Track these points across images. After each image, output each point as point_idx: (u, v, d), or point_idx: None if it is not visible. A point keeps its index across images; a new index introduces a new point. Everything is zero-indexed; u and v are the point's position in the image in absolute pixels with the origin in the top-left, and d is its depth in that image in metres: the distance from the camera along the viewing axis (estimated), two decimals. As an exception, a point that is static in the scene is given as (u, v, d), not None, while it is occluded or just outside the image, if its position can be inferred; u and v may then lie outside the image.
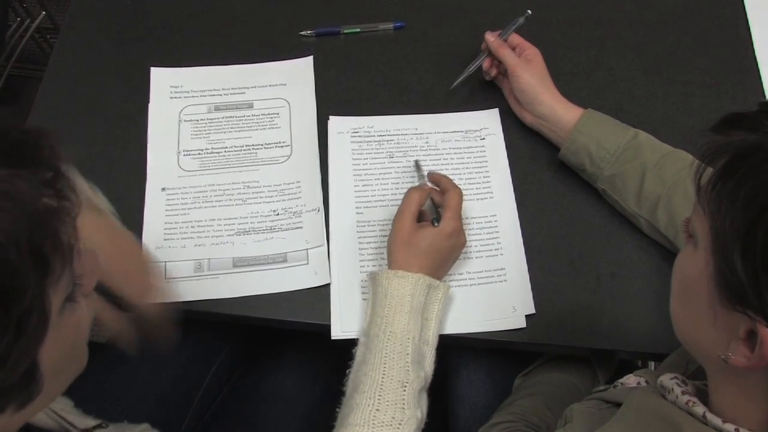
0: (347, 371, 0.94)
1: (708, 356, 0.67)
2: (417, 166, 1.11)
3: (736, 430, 0.63)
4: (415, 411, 0.87)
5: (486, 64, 1.17)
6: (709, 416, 0.65)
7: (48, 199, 0.51)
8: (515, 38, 1.16)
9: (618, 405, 0.77)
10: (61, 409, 0.80)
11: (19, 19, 2.14)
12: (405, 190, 1.09)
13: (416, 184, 1.09)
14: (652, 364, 1.20)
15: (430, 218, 1.00)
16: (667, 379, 0.73)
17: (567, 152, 1.09)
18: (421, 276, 0.95)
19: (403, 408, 0.86)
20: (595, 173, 1.07)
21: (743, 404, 0.65)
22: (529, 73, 1.11)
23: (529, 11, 1.16)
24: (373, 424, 0.85)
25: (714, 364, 0.66)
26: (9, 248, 0.46)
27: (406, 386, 0.88)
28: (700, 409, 0.66)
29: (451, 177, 1.12)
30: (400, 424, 0.86)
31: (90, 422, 0.83)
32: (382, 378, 0.88)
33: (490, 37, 1.15)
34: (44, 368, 0.54)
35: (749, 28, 1.28)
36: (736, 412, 0.65)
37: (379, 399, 0.86)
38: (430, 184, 1.07)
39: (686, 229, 0.68)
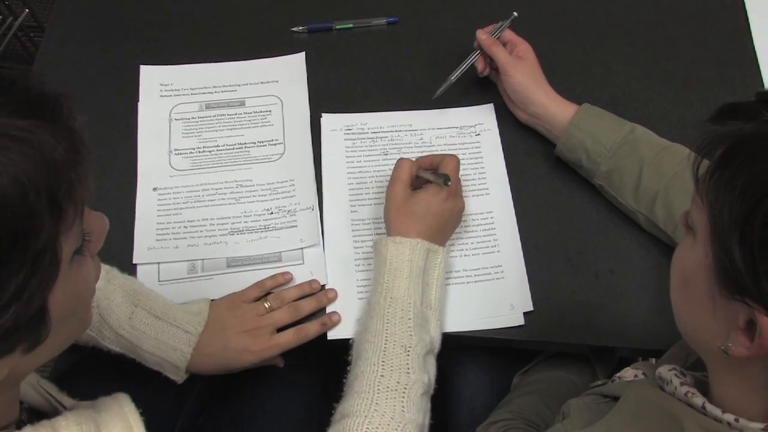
0: (342, 380, 0.93)
1: (708, 348, 0.66)
2: None
3: (735, 419, 0.63)
4: (421, 375, 0.87)
5: (480, 64, 1.15)
6: (709, 407, 0.65)
7: (65, 152, 0.55)
8: (507, 34, 1.14)
9: (616, 399, 0.77)
10: (48, 387, 0.81)
11: (1, 17, 2.11)
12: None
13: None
14: (652, 361, 1.19)
15: (434, 187, 0.99)
16: (665, 371, 0.73)
17: (563, 148, 1.08)
18: (419, 240, 0.95)
19: (408, 372, 0.86)
20: (591, 169, 1.06)
21: (744, 395, 0.64)
22: (521, 72, 1.10)
23: (515, 14, 1.14)
24: (378, 389, 0.84)
25: (714, 355, 0.66)
26: (29, 191, 0.51)
27: (409, 350, 0.88)
28: (699, 399, 0.66)
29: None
30: (405, 388, 0.85)
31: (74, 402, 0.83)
32: (385, 344, 0.88)
33: (482, 35, 1.13)
34: (52, 313, 0.58)
35: (748, 20, 1.27)
36: (737, 403, 0.64)
37: (382, 365, 0.86)
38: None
39: (685, 222, 0.68)
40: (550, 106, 1.09)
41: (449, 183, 0.97)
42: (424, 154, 1.09)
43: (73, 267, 0.60)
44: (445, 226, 1.00)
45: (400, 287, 0.92)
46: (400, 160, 1.02)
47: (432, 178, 0.99)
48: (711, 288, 0.62)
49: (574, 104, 1.08)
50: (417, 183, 1.03)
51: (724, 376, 0.67)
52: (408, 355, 0.87)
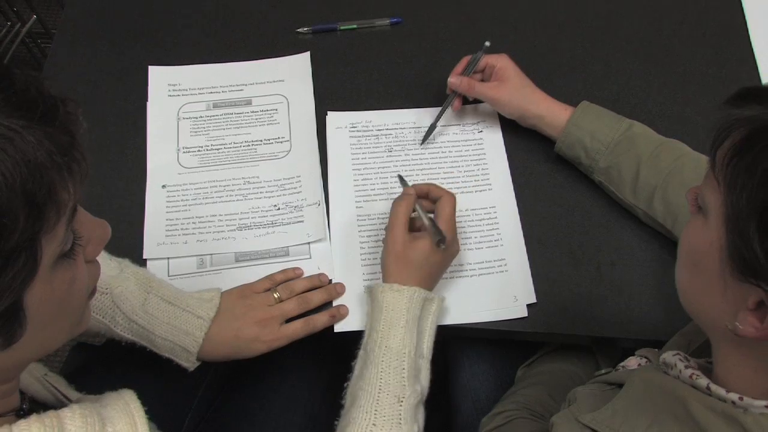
0: (345, 384, 0.94)
1: (715, 326, 0.67)
2: (400, 179, 1.10)
3: (740, 398, 0.64)
4: (412, 425, 0.88)
5: (455, 105, 1.17)
6: (713, 387, 0.66)
7: (48, 154, 0.55)
8: (481, 60, 1.14)
9: (620, 386, 0.78)
10: (55, 381, 0.82)
11: (9, 23, 2.13)
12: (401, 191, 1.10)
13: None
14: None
15: (431, 239, 0.97)
16: (669, 356, 0.74)
17: (562, 145, 1.10)
18: (417, 289, 0.95)
19: (400, 423, 0.87)
20: (590, 165, 1.08)
21: (748, 373, 0.66)
22: (508, 96, 1.11)
23: (487, 43, 1.14)
24: None
25: (720, 334, 0.67)
26: (3, 190, 0.51)
27: (402, 401, 0.89)
28: (703, 381, 0.67)
29: (449, 170, 1.14)
30: None
31: (80, 396, 0.84)
32: (378, 393, 0.89)
33: (455, 81, 1.13)
34: (30, 313, 0.58)
35: (745, 18, 1.29)
36: (740, 382, 0.66)
37: (375, 414, 0.87)
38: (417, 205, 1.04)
39: (694, 200, 0.69)
40: (545, 115, 1.10)
41: (443, 246, 0.96)
42: (436, 162, 1.11)
43: (58, 270, 0.60)
44: (440, 271, 1.01)
45: (395, 336, 0.92)
46: (395, 203, 1.01)
47: (429, 229, 0.99)
48: (722, 269, 0.63)
49: (570, 106, 1.10)
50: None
51: (728, 355, 0.68)
52: (401, 405, 0.88)
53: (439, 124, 1.17)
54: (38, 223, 0.55)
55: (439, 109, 1.16)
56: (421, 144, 1.16)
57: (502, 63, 1.13)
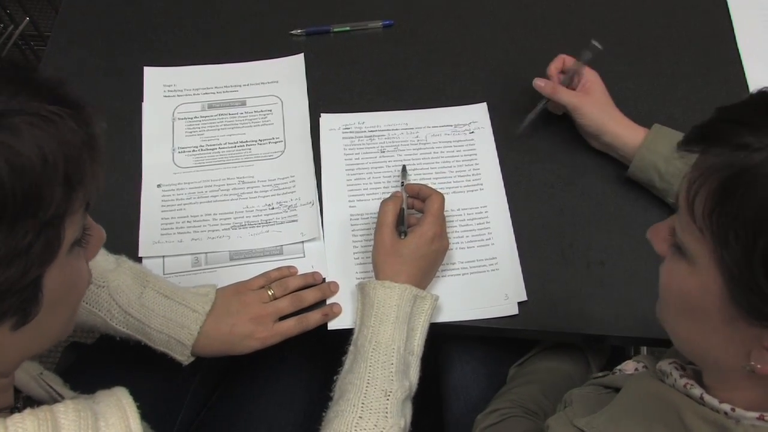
0: (335, 377, 0.95)
1: (719, 364, 0.67)
2: (403, 170, 1.12)
3: (732, 409, 0.65)
4: (398, 419, 0.90)
5: (555, 108, 1.18)
6: (707, 397, 0.67)
7: (82, 141, 0.60)
8: (572, 64, 1.15)
9: (617, 390, 0.79)
10: (51, 380, 0.83)
11: (2, 25, 2.14)
12: (397, 184, 1.12)
13: (399, 189, 1.10)
14: (643, 349, 1.22)
15: (418, 231, 1.00)
16: (665, 364, 0.75)
17: (635, 169, 1.09)
18: (408, 286, 0.97)
19: (386, 416, 0.89)
20: (665, 189, 1.08)
21: (744, 386, 0.66)
22: (590, 107, 1.12)
23: (598, 45, 1.11)
24: (356, 430, 0.87)
25: (724, 368, 0.67)
26: (49, 164, 0.57)
27: (389, 395, 0.90)
28: (697, 390, 0.68)
29: (441, 170, 1.15)
30: (382, 431, 0.88)
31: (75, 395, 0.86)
32: (366, 387, 0.90)
33: (540, 83, 1.14)
34: (45, 294, 0.62)
35: (731, 21, 1.31)
36: (735, 394, 0.66)
37: (362, 407, 0.89)
38: (405, 193, 1.07)
39: (667, 242, 0.68)
40: (621, 134, 1.10)
41: (403, 237, 1.00)
42: (427, 163, 1.14)
43: (72, 255, 0.64)
44: (431, 267, 1.02)
45: (385, 332, 0.94)
46: (383, 203, 1.04)
47: (408, 221, 1.04)
48: (726, 314, 0.62)
49: (644, 128, 1.10)
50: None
51: (726, 380, 0.67)
52: (387, 399, 0.90)
53: (434, 125, 1.19)
54: (68, 204, 0.60)
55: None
56: (518, 132, 1.17)
57: (592, 77, 1.14)
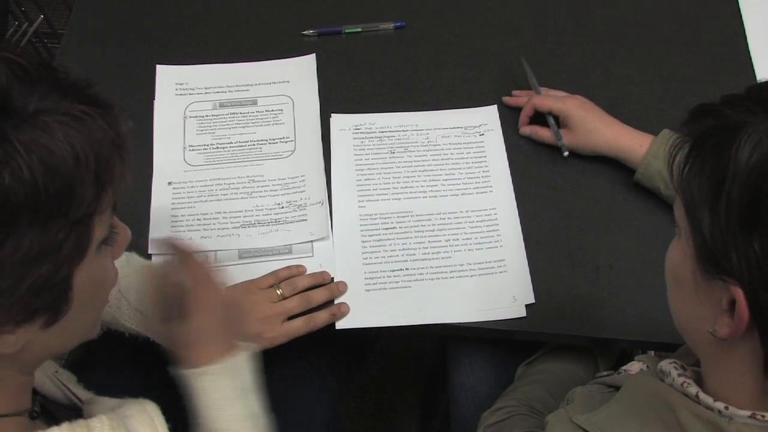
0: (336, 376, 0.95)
1: (700, 337, 0.69)
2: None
3: (725, 407, 0.66)
4: None
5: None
6: (702, 395, 0.68)
7: (112, 141, 0.62)
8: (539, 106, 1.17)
9: (619, 389, 0.80)
10: (67, 380, 0.85)
11: (17, 23, 2.15)
12: (406, 185, 1.12)
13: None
14: (650, 353, 1.22)
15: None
16: (666, 364, 0.76)
17: (641, 177, 1.10)
18: (220, 363, 0.86)
19: None
20: (671, 196, 1.07)
21: (733, 384, 0.67)
22: (577, 142, 1.13)
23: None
24: None
25: (707, 345, 0.69)
26: (81, 163, 0.58)
27: None
28: (693, 389, 0.69)
29: (451, 171, 1.15)
30: None
31: (90, 396, 0.87)
32: None
33: (516, 97, 1.19)
34: (75, 292, 0.63)
35: (743, 25, 1.31)
36: (728, 392, 0.68)
37: None
38: None
39: (676, 226, 0.71)
40: (618, 156, 1.12)
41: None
42: (437, 164, 1.13)
43: (99, 254, 0.66)
44: (229, 322, 0.90)
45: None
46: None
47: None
48: (694, 274, 0.66)
49: (650, 135, 1.10)
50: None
51: (715, 365, 0.70)
52: None
53: (444, 127, 1.20)
54: (97, 202, 0.61)
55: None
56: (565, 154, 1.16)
57: (566, 111, 1.14)
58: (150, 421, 0.72)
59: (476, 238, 1.10)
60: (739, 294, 0.61)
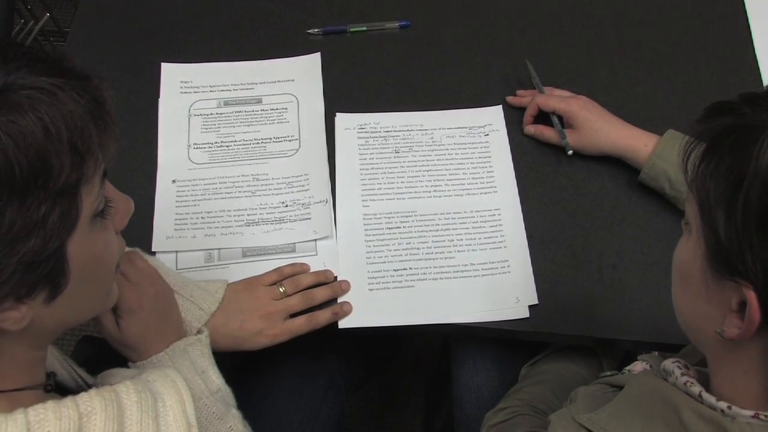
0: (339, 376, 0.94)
1: (706, 336, 0.69)
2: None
3: (728, 407, 0.66)
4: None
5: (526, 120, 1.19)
6: (705, 395, 0.68)
7: (84, 109, 0.61)
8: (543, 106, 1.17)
9: (622, 389, 0.80)
10: (73, 363, 0.85)
11: (22, 21, 2.15)
12: (410, 185, 1.12)
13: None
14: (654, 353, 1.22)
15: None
16: (669, 363, 0.76)
17: (646, 177, 1.09)
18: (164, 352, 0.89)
19: None
20: (675, 196, 1.08)
21: (742, 381, 0.67)
22: (581, 142, 1.13)
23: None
24: None
25: (711, 343, 0.69)
26: (52, 134, 0.58)
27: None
28: (696, 388, 0.69)
29: (455, 171, 1.15)
30: None
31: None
32: None
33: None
34: (72, 265, 0.64)
35: (749, 27, 1.31)
36: (733, 391, 0.67)
37: None
38: None
39: (684, 223, 0.71)
40: (623, 155, 1.12)
41: None
42: (441, 164, 1.12)
43: (95, 227, 0.66)
44: (162, 315, 0.91)
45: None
46: None
47: None
48: (704, 273, 0.65)
49: (656, 135, 1.10)
50: None
51: (721, 363, 0.69)
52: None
53: (449, 127, 1.20)
54: (79, 171, 0.61)
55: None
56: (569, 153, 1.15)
57: (570, 112, 1.14)
58: (173, 384, 0.72)
59: (480, 239, 1.10)
60: (751, 296, 0.60)
